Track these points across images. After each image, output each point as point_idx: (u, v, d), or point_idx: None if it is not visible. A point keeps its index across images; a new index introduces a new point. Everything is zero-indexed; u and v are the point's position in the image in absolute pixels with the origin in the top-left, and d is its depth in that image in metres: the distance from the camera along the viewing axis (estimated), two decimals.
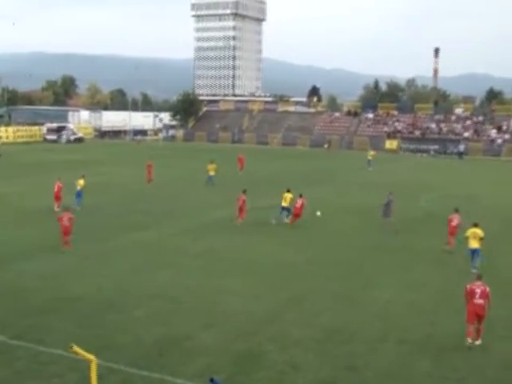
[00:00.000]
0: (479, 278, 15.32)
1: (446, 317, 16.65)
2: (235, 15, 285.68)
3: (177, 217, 31.13)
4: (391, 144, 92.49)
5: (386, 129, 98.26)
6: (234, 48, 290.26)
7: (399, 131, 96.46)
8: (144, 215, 31.25)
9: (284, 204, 29.68)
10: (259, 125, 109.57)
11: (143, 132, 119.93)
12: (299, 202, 29.39)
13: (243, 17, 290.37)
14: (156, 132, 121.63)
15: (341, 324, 15.84)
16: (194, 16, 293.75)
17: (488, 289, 14.94)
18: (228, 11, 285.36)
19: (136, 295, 17.80)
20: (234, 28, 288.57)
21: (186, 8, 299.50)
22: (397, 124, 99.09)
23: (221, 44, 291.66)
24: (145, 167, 46.01)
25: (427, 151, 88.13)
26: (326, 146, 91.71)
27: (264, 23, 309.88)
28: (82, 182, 33.46)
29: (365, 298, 18.23)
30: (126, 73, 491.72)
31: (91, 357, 8.77)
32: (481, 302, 14.73)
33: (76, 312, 16.26)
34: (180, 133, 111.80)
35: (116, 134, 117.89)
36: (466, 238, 21.76)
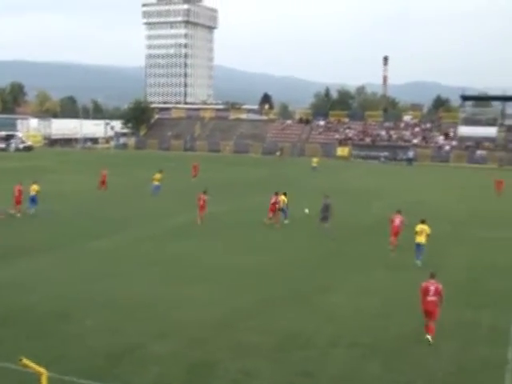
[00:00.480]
0: (433, 276, 15.80)
1: (397, 320, 16.89)
2: (186, 23, 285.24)
3: (131, 225, 30.83)
4: (342, 151, 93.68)
5: (337, 136, 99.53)
6: (186, 56, 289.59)
7: (350, 138, 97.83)
8: (98, 223, 30.85)
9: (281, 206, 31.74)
10: (211, 132, 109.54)
11: (94, 140, 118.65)
12: (273, 198, 31.53)
13: (195, 24, 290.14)
14: (107, 140, 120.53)
15: (296, 329, 15.90)
16: (145, 24, 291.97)
17: (441, 286, 15.49)
18: (179, 19, 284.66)
19: (89, 304, 17.51)
20: (186, 36, 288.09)
21: (137, 16, 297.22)
22: (348, 131, 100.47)
23: (172, 52, 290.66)
24: (97, 175, 45.46)
25: (378, 158, 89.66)
26: (278, 153, 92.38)
27: (215, 31, 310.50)
28: (35, 187, 33.30)
29: (319, 302, 18.34)
30: (76, 80, 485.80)
31: (42, 370, 8.58)
32: (433, 299, 15.31)
33: (26, 323, 15.90)
34: (131, 141, 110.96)
35: (67, 142, 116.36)
36: (415, 233, 23.30)
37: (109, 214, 33.67)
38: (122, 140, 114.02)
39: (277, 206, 31.35)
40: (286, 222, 31.63)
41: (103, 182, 44.72)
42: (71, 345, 14.48)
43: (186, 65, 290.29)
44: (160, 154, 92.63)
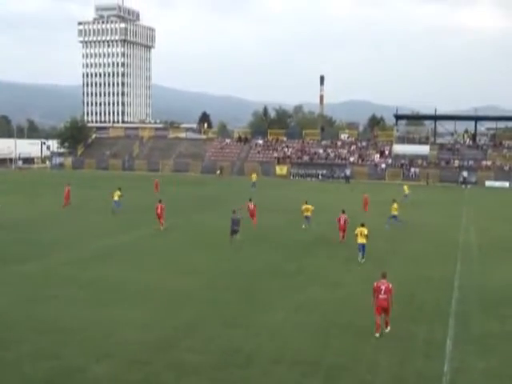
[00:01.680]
0: (384, 276, 17.39)
1: (336, 336, 17.08)
2: (124, 41, 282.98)
3: (64, 246, 30.20)
4: (281, 169, 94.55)
5: (275, 154, 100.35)
6: (123, 74, 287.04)
7: (289, 157, 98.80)
8: (28, 245, 30.07)
9: (306, 214, 37.33)
10: (150, 151, 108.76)
11: (30, 160, 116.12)
12: (251, 205, 37.24)
13: (132, 43, 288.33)
14: (43, 160, 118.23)
15: (235, 348, 15.87)
16: (81, 42, 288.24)
17: (391, 285, 17.17)
18: (116, 37, 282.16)
19: (22, 329, 17.02)
20: (123, 54, 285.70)
21: (73, 34, 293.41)
22: (286, 150, 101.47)
23: (109, 70, 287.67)
24: (30, 195, 44.49)
25: (316, 176, 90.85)
26: (218, 172, 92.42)
27: (153, 50, 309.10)
28: None
29: (258, 320, 18.34)
30: (10, 99, 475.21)
31: None
32: (384, 296, 16.95)
33: None
34: (68, 160, 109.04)
35: (1, 162, 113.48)
36: (356, 235, 27.53)
37: (39, 237, 32.83)
38: (59, 160, 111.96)
39: (255, 212, 37.09)
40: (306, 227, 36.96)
41: (67, 198, 46.55)
42: (5, 373, 14.03)
43: (123, 84, 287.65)
44: (98, 173, 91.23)
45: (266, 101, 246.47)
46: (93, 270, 24.92)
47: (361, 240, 27.27)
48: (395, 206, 39.95)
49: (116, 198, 44.06)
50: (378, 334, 16.88)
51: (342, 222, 32.35)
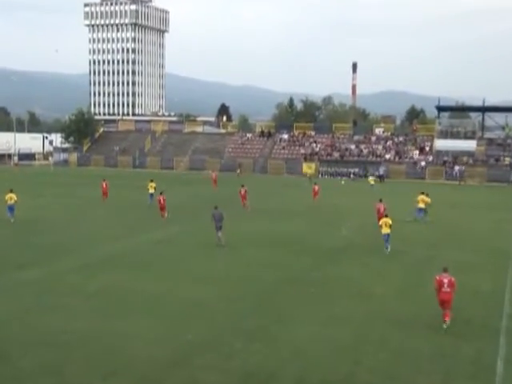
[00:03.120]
0: (445, 270, 18.96)
1: (369, 353, 16.92)
2: (135, 25, 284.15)
3: (69, 251, 30.44)
4: (309, 167, 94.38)
5: (302, 151, 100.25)
6: (134, 62, 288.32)
7: (317, 153, 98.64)
8: (31, 250, 30.39)
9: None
10: (163, 147, 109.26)
11: (31, 156, 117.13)
12: (242, 191, 47.32)
13: (144, 27, 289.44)
14: (46, 156, 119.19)
15: (256, 366, 15.83)
16: (88, 26, 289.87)
17: (453, 279, 18.77)
18: (127, 21, 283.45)
19: (22, 343, 17.17)
20: (134, 40, 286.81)
21: (79, 17, 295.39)
22: (314, 145, 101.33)
23: (119, 57, 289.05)
24: (32, 196, 44.94)
25: (347, 174, 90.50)
26: (238, 171, 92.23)
27: (167, 35, 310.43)
28: None
29: (280, 335, 18.26)
30: (9, 89, 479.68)
31: None
32: (448, 290, 18.62)
33: None
34: (74, 157, 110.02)
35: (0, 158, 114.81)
36: (380, 226, 30.98)
37: (41, 240, 33.16)
38: (63, 156, 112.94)
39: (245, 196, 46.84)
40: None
41: (105, 193, 52.07)
42: None
43: (134, 72, 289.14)
44: (107, 171, 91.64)
45: (292, 91, 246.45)
46: (100, 277, 25.10)
47: (385, 230, 30.47)
48: (423, 198, 41.75)
49: (152, 190, 49.25)
50: (445, 326, 18.68)
51: (382, 210, 36.66)
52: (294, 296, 22.80)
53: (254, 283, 24.55)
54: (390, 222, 30.65)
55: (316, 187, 53.01)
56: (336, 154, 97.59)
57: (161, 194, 42.54)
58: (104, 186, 52.53)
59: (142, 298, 22.07)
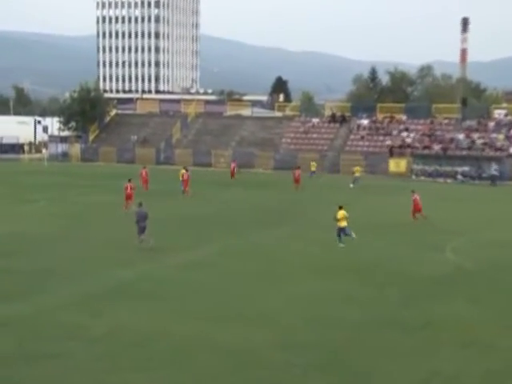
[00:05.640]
0: None
1: None
2: None
3: (64, 279, 30.51)
4: (397, 165, 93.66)
5: (388, 142, 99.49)
6: (158, 20, 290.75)
7: (409, 145, 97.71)
8: (11, 278, 30.48)
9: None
10: (197, 136, 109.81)
11: (17, 147, 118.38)
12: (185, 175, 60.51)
13: None
14: (38, 147, 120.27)
15: None
16: None
17: None
18: None
19: None
20: None
21: None
22: (405, 134, 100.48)
23: (137, 13, 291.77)
24: (18, 201, 45.32)
25: (453, 175, 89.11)
26: (310, 174, 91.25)
27: None
28: None
29: None
30: None
31: None
32: None
33: None
34: (76, 149, 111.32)
35: None
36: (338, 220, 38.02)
37: (26, 264, 33.16)
38: (61, 147, 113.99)
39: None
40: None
41: (145, 181, 63.09)
42: None
43: (157, 34, 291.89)
44: (121, 169, 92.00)
45: (374, 59, 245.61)
46: (107, 315, 25.07)
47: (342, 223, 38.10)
48: None
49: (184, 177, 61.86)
50: None
51: (416, 201, 46.30)
52: (379, 345, 22.49)
53: (321, 326, 24.28)
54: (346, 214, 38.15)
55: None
56: (436, 147, 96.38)
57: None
58: (144, 173, 64.50)
59: (163, 343, 22.00)
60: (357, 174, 76.48)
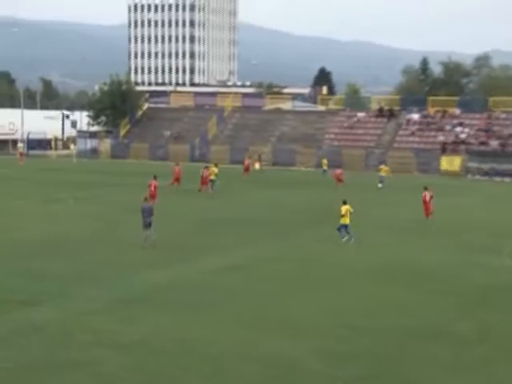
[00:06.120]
0: None
1: None
2: None
3: (94, 281, 30.69)
4: (450, 163, 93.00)
5: (441, 138, 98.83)
6: (193, 8, 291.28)
7: (464, 142, 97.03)
8: (40, 280, 30.71)
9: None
10: (235, 132, 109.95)
11: (44, 143, 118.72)
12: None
13: None
14: (66, 143, 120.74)
15: None
16: None
17: None
18: None
19: None
20: None
21: None
22: (459, 130, 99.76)
23: (171, 1, 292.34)
24: (44, 201, 45.59)
25: (511, 174, 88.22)
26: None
27: None
28: None
29: None
30: (15, 46, 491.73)
31: None
32: None
33: None
34: (106, 145, 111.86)
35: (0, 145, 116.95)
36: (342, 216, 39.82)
37: (53, 266, 33.41)
38: (91, 143, 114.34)
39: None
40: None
41: (177, 179, 64.74)
42: None
43: (192, 23, 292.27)
44: (154, 167, 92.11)
45: (426, 49, 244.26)
46: (139, 321, 25.13)
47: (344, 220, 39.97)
48: None
49: (213, 177, 62.95)
50: None
51: (427, 198, 49.07)
52: (431, 358, 22.24)
53: (366, 335, 24.15)
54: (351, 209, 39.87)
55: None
56: (494, 143, 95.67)
57: (155, 178, 54.42)
58: (177, 170, 65.65)
59: (198, 352, 21.96)
60: (382, 174, 76.82)
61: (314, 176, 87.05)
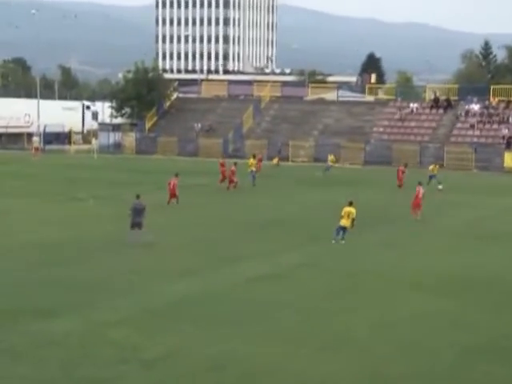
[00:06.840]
0: None
1: None
2: None
3: (117, 291, 30.76)
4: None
5: (504, 131, 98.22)
6: None
7: None
8: (60, 289, 30.88)
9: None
10: (273, 125, 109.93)
11: (63, 137, 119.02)
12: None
13: None
14: (87, 137, 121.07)
15: None
16: None
17: None
18: None
19: None
20: None
21: None
22: None
23: None
24: (62, 201, 45.75)
25: None
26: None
27: None
28: None
29: None
30: (31, 30, 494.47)
31: None
32: None
33: None
34: (130, 139, 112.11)
35: (14, 138, 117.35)
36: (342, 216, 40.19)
37: (72, 273, 33.54)
38: (114, 137, 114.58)
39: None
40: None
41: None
42: None
43: (227, 4, 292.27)
44: (185, 164, 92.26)
45: (488, 31, 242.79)
46: (164, 334, 25.17)
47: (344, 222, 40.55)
48: None
49: (253, 168, 68.58)
50: None
51: (421, 194, 49.94)
52: (494, 380, 22.14)
53: (420, 354, 23.98)
54: (354, 213, 40.31)
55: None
56: None
57: (176, 176, 55.60)
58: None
59: (229, 369, 22.00)
60: (329, 163, 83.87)
61: (362, 174, 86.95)
